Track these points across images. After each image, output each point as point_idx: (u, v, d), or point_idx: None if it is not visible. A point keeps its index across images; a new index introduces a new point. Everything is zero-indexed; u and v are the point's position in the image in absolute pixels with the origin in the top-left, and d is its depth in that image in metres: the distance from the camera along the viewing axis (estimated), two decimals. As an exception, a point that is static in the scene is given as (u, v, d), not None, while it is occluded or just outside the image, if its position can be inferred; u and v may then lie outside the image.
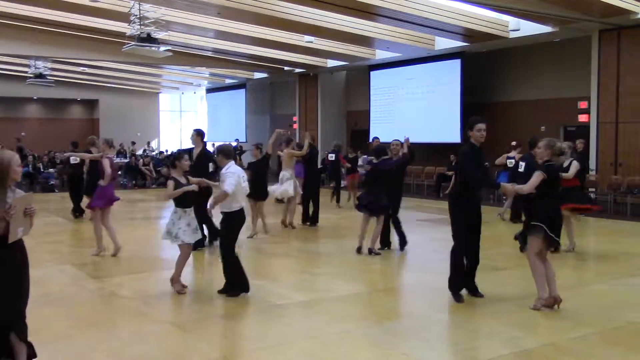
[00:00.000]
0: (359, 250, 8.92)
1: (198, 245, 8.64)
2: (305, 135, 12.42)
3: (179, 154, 7.22)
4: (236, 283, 6.55)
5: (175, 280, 6.75)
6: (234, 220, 6.53)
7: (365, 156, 18.23)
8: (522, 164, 9.99)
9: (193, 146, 9.49)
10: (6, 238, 3.84)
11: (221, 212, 6.57)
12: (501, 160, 12.58)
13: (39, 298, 6.63)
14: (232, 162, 6.65)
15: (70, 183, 13.77)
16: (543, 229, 5.94)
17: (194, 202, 6.83)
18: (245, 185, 6.65)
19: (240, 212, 6.57)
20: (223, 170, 6.54)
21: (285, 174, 11.30)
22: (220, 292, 6.60)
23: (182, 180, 6.73)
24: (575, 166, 8.97)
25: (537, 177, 6.02)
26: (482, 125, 6.15)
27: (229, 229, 6.56)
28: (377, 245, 9.01)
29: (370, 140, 15.26)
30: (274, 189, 11.27)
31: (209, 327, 5.70)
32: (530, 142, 9.60)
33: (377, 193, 8.76)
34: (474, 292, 6.54)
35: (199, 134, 9.49)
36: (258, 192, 9.85)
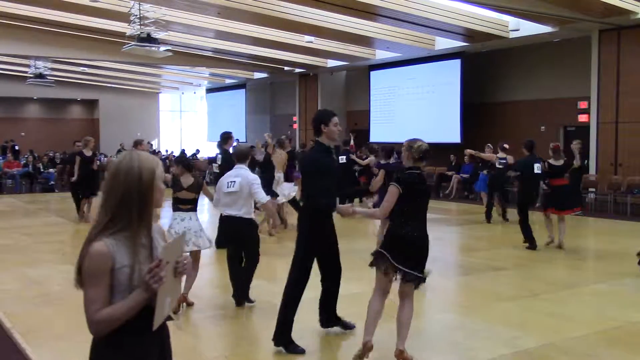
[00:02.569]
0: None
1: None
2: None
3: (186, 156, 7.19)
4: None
5: None
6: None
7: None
8: (538, 166, 9.76)
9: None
10: (145, 319, 2.14)
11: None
12: (490, 157, 12.20)
13: (39, 298, 6.65)
14: (237, 165, 6.27)
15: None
16: (384, 255, 4.55)
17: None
18: (231, 190, 6.12)
19: (223, 218, 6.26)
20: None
21: (280, 176, 11.08)
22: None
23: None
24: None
25: (390, 194, 4.52)
26: (337, 119, 5.06)
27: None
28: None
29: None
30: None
31: (209, 327, 5.70)
32: (526, 144, 9.74)
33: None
34: (341, 323, 5.44)
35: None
36: None
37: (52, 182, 20.28)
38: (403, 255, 4.50)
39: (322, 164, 4.91)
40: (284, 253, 8.15)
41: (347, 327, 5.39)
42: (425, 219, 4.70)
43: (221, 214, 6.29)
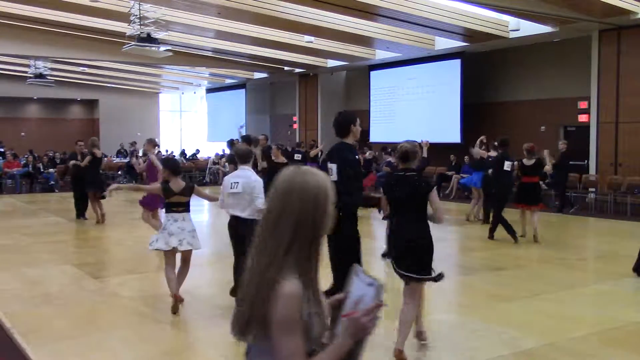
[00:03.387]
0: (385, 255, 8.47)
1: None
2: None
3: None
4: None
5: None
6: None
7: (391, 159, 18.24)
8: (509, 164, 10.40)
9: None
10: None
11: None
12: (482, 153, 12.07)
13: (39, 298, 6.65)
14: (240, 167, 6.15)
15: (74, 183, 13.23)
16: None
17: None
18: (234, 190, 6.01)
19: (230, 219, 6.14)
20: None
21: None
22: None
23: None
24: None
25: (382, 199, 4.77)
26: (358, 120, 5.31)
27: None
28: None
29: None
30: None
31: (209, 327, 5.70)
32: (501, 142, 10.59)
33: None
34: None
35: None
36: None
37: (52, 182, 20.28)
38: (397, 255, 4.54)
39: (358, 165, 5.16)
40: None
41: None
42: (419, 217, 4.63)
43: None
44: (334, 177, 5.16)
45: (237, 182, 5.94)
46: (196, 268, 7.65)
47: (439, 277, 4.67)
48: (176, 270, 6.17)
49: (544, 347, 5.04)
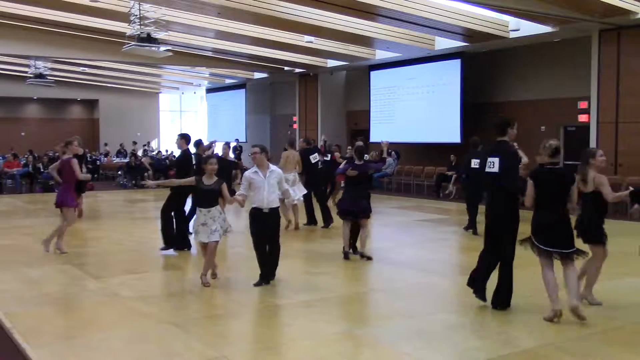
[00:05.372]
0: (346, 255, 8.71)
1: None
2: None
3: (208, 157, 7.36)
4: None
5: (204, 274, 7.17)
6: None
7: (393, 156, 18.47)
8: (476, 162, 10.40)
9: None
10: None
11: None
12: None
13: (39, 298, 6.65)
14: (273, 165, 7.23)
15: None
16: (530, 240, 6.00)
17: (214, 203, 7.12)
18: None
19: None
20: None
21: (288, 176, 10.98)
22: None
23: (207, 182, 7.05)
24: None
25: (529, 187, 5.79)
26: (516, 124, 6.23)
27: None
28: (368, 249, 8.82)
29: (380, 141, 14.84)
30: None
31: (209, 327, 5.70)
32: (472, 142, 11.23)
33: (357, 197, 8.61)
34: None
35: (183, 137, 10.01)
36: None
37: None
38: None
39: (517, 157, 6.14)
40: (284, 253, 8.17)
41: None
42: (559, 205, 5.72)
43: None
44: (495, 169, 5.95)
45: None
46: (195, 267, 7.66)
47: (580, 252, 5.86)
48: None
49: (544, 347, 5.04)
